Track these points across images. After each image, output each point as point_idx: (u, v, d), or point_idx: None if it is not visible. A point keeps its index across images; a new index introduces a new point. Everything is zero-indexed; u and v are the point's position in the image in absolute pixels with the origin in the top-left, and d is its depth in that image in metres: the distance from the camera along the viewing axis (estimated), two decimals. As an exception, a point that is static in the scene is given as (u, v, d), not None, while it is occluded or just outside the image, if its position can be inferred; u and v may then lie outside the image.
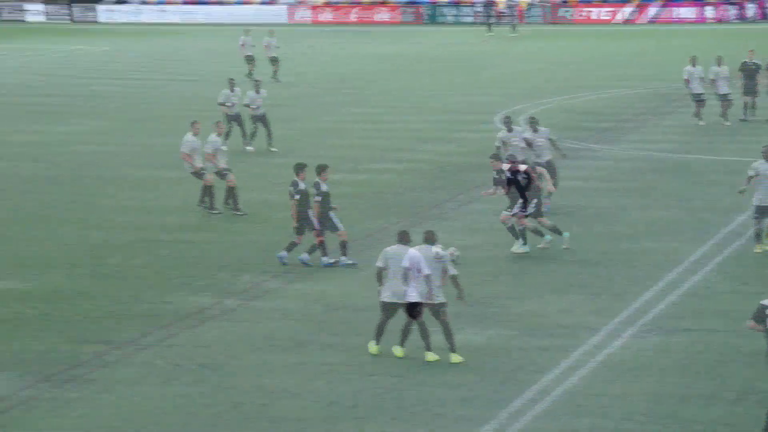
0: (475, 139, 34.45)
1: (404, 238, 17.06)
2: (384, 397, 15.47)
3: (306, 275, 21.12)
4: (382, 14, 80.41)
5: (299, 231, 21.64)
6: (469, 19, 77.32)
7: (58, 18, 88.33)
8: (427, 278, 16.54)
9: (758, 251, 21.77)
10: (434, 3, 79.81)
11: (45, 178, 30.52)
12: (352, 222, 24.90)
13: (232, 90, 33.36)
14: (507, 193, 22.54)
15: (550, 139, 25.46)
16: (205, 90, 45.83)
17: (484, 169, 29.98)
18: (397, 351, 16.82)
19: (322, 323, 18.55)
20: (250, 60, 49.97)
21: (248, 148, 33.15)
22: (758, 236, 22.00)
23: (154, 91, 47.92)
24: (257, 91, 33.39)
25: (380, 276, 16.82)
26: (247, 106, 33.26)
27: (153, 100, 45.10)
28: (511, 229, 22.37)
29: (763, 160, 21.90)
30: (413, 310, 16.58)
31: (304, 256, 21.64)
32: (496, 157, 23.18)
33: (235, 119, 33.24)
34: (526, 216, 22.25)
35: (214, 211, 25.64)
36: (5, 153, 34.25)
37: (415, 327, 16.71)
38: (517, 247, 22.25)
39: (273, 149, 33.10)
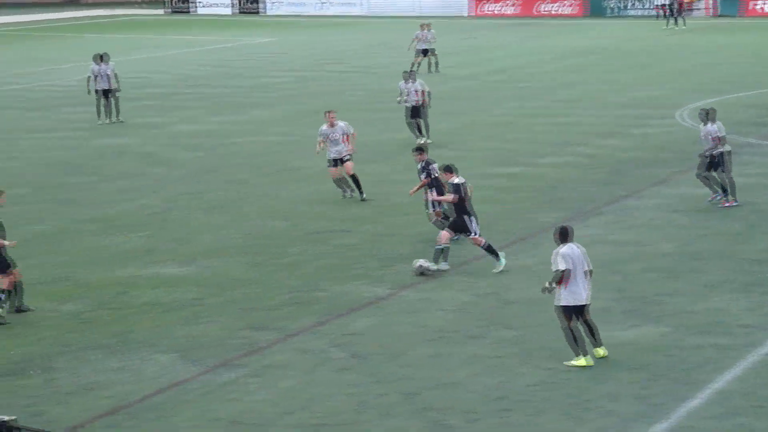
0: (654, 134, 33.98)
1: (567, 235, 16.52)
2: (556, 391, 15.42)
3: (481, 268, 21.14)
4: (565, 7, 79.75)
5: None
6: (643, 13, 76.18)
7: (222, 9, 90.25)
8: (588, 275, 16.41)
9: None
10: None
11: (224, 167, 31.20)
12: (523, 215, 24.90)
13: (407, 82, 33.43)
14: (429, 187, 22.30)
15: (718, 137, 24.88)
16: (377, 82, 46.22)
17: (665, 164, 29.64)
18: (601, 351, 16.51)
19: (496, 316, 18.57)
20: (424, 53, 49.99)
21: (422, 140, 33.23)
22: None
23: (330, 83, 48.46)
24: (408, 82, 33.31)
25: (564, 278, 16.22)
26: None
27: (331, 92, 45.62)
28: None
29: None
30: (584, 310, 16.45)
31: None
32: (419, 150, 22.68)
33: (415, 113, 33.34)
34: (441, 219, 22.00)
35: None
36: (185, 143, 35.10)
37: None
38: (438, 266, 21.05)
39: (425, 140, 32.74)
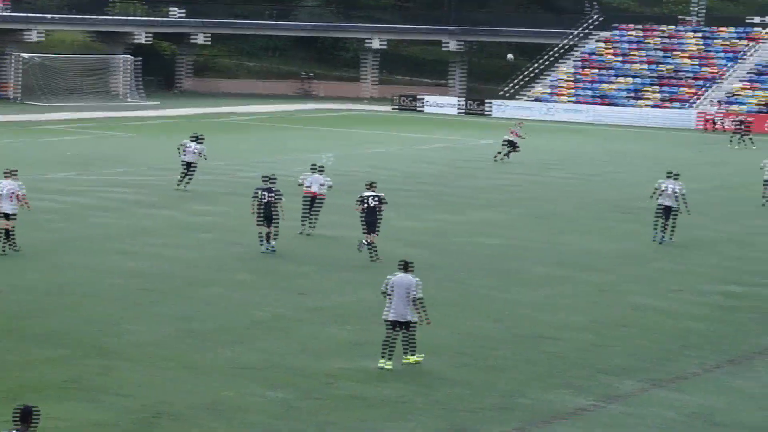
0: None
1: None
2: None
3: (691, 386, 20.60)
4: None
5: None
6: None
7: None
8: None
9: None
10: None
11: (437, 266, 31.17)
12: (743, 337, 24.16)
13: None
14: None
15: None
16: (604, 190, 45.78)
17: None
18: None
19: (702, 439, 17.99)
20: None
21: None
22: None
23: (553, 188, 48.35)
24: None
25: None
26: None
27: (553, 197, 45.49)
28: None
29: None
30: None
31: None
32: None
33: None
34: None
35: None
36: (408, 239, 35.34)
37: None
38: None
39: None
